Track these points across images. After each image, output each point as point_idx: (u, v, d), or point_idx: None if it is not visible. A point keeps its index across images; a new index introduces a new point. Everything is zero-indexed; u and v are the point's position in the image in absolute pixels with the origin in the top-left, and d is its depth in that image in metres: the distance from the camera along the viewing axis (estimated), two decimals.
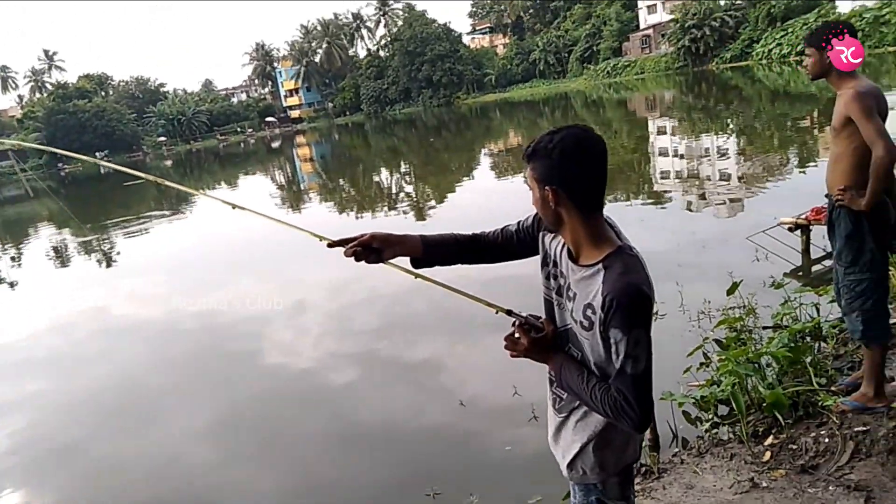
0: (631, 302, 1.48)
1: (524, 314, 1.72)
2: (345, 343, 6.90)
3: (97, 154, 66.63)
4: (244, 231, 15.24)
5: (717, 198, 10.46)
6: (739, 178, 11.70)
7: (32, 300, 11.71)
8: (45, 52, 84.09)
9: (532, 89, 63.25)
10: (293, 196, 22.00)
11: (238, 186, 29.40)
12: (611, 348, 1.52)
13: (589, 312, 1.54)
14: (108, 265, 14.16)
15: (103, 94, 77.59)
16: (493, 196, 14.11)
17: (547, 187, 1.56)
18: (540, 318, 1.73)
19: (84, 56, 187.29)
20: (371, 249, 1.80)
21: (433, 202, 15.80)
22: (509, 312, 1.74)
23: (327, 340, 7.04)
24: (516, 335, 1.69)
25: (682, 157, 15.12)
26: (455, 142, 32.70)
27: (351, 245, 1.78)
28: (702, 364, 4.07)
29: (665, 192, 11.84)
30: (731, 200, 10.08)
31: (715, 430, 3.54)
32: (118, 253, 15.40)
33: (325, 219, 15.54)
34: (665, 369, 4.63)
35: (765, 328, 4.47)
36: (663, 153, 16.59)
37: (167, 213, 22.36)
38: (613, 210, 10.59)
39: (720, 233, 8.25)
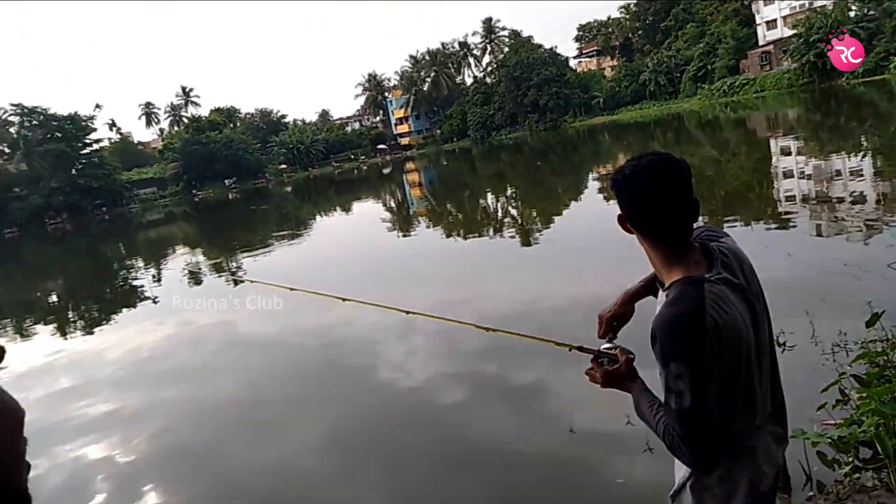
0: (666, 334, 1.46)
1: (598, 348, 1.74)
2: (453, 363, 6.99)
3: (226, 181, 72.14)
4: (360, 251, 15.90)
5: (850, 222, 9.69)
6: (877, 201, 10.77)
7: (169, 315, 12.78)
8: (183, 88, 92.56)
9: (642, 111, 61.65)
10: (403, 220, 22.66)
11: (352, 211, 30.71)
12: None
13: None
14: (236, 284, 15.21)
15: (231, 125, 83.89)
16: (600, 219, 13.83)
17: (620, 214, 1.60)
18: (618, 348, 1.72)
19: (215, 90, 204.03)
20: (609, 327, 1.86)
21: (539, 225, 15.73)
22: (580, 349, 1.79)
23: (436, 360, 7.16)
24: (592, 368, 1.73)
25: (808, 178, 14.15)
26: (562, 165, 32.44)
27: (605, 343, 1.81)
28: (838, 401, 3.74)
29: (791, 215, 11.11)
30: (868, 225, 9.29)
31: (857, 475, 3.24)
32: (244, 272, 16.51)
33: (434, 241, 15.88)
34: (796, 405, 4.32)
35: None
36: (787, 174, 15.60)
37: (286, 234, 23.72)
38: (736, 234, 10.08)
39: (856, 259, 7.59)
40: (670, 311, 1.48)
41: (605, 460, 4.41)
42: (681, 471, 1.65)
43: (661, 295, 1.59)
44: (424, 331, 8.29)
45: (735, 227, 10.79)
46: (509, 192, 26.22)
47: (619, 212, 1.63)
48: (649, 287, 1.85)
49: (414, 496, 4.55)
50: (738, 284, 1.58)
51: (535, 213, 18.10)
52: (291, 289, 2.77)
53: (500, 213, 19.71)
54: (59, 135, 67.60)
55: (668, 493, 1.74)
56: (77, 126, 69.03)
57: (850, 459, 3.39)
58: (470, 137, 76.88)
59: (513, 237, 14.47)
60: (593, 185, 22.48)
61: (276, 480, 5.13)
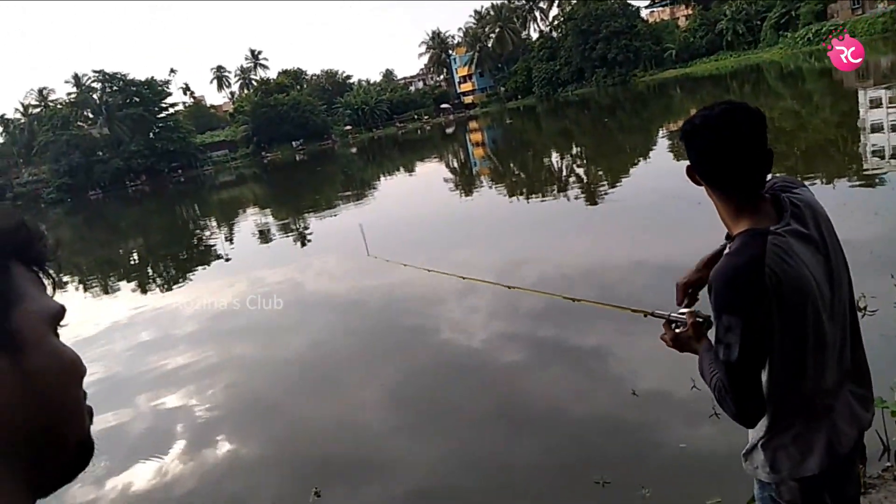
0: (720, 285, 1.45)
1: (669, 313, 1.77)
2: (514, 324, 6.98)
3: (293, 143, 73.64)
4: (422, 213, 16.00)
5: None
6: None
7: (240, 273, 13.30)
8: (252, 51, 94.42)
9: (718, 62, 58.48)
10: (465, 181, 22.57)
11: (415, 172, 30.83)
12: None
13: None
14: (303, 244, 15.63)
15: (298, 87, 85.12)
16: (669, 178, 13.34)
17: (689, 165, 1.58)
18: (688, 312, 1.72)
19: (283, 52, 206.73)
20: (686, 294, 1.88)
21: (605, 185, 15.34)
22: (652, 314, 1.83)
23: (497, 321, 7.17)
24: (664, 334, 1.76)
25: None
26: (630, 122, 31.35)
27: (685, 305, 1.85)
28: None
29: (878, 172, 10.38)
30: None
31: None
32: (311, 233, 16.94)
33: (495, 202, 15.78)
34: (875, 373, 4.09)
35: None
36: (876, 128, 14.52)
37: (351, 196, 24.10)
38: (816, 192, 9.53)
39: None
40: (728, 261, 1.47)
41: (668, 424, 4.33)
42: (755, 430, 1.63)
43: (727, 247, 1.59)
44: (486, 290, 8.31)
45: (815, 184, 10.19)
46: (575, 150, 25.62)
47: (688, 165, 1.61)
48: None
49: (473, 453, 4.61)
50: (808, 235, 1.53)
51: (601, 173, 17.65)
52: (405, 265, 2.98)
53: (564, 173, 19.32)
54: (138, 100, 70.46)
55: (740, 452, 1.72)
56: (154, 91, 71.71)
57: None
58: (535, 94, 75.19)
59: (577, 198, 14.18)
60: (662, 142, 21.65)
61: (340, 433, 5.32)
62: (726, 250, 1.56)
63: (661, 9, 79.78)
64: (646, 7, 79.31)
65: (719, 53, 60.61)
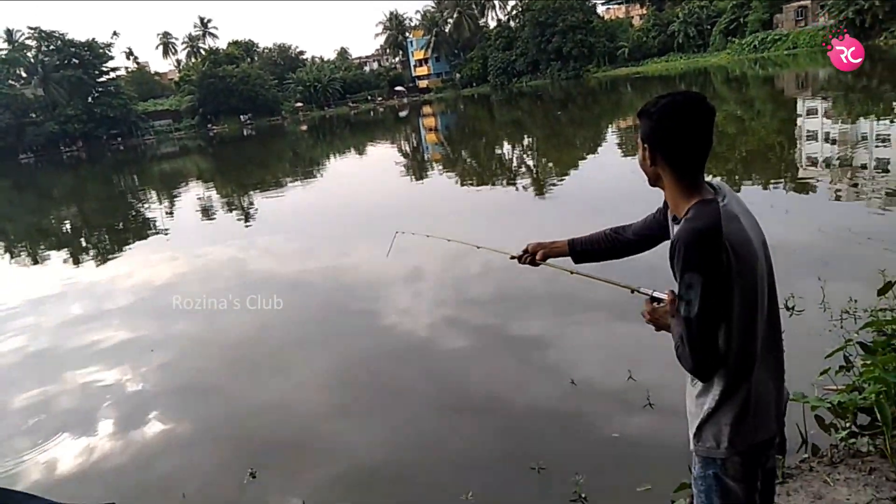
0: (686, 244, 1.56)
1: (653, 290, 1.91)
2: (459, 311, 7.03)
3: (241, 117, 71.65)
4: (371, 195, 15.86)
5: (872, 189, 9.48)
6: None
7: (180, 249, 12.90)
8: (201, 19, 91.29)
9: (668, 63, 59.88)
10: (417, 165, 22.48)
11: (366, 153, 30.49)
12: None
13: (670, 261, 1.65)
14: (247, 222, 15.27)
15: (249, 60, 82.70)
16: (617, 172, 13.64)
17: (646, 145, 1.71)
18: (670, 290, 1.81)
19: (234, 23, 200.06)
20: (530, 254, 2.37)
21: (554, 177, 15.55)
22: (637, 290, 1.97)
23: (442, 308, 7.20)
24: (645, 308, 1.86)
25: (833, 142, 13.78)
26: (581, 116, 31.82)
27: (518, 255, 2.41)
28: (842, 367, 3.73)
29: (811, 179, 10.88)
30: (889, 194, 9.09)
31: (852, 441, 3.25)
32: (256, 210, 16.56)
33: (446, 188, 15.79)
34: (799, 369, 4.28)
35: None
36: (812, 137, 15.20)
37: (300, 174, 23.67)
38: (751, 193, 9.93)
39: (874, 227, 7.45)
40: (690, 224, 1.58)
41: (604, 413, 4.43)
42: (705, 400, 1.69)
43: (676, 225, 1.70)
44: (432, 277, 8.32)
45: (753, 187, 10.61)
46: (526, 141, 25.84)
47: (646, 144, 1.72)
48: (563, 252, 2.28)
49: (413, 436, 4.63)
50: (747, 211, 1.70)
51: (550, 164, 17.87)
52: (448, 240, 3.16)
53: (515, 163, 19.47)
54: (77, 62, 67.06)
55: (691, 430, 1.80)
56: (94, 53, 68.35)
57: (848, 425, 3.41)
58: (490, 83, 75.37)
59: (526, 188, 14.32)
60: (612, 137, 22.09)
61: (279, 414, 5.24)
62: (686, 216, 1.64)
63: (616, 6, 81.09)
64: (602, 4, 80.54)
65: (670, 55, 62.05)
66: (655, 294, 1.88)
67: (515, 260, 2.43)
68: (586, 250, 2.26)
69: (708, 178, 1.79)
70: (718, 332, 1.60)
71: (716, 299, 1.55)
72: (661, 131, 1.67)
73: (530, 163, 19.41)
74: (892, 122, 15.61)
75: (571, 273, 2.29)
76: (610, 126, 25.65)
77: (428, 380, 5.53)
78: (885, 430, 3.00)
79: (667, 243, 2.00)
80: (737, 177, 11.79)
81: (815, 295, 5.27)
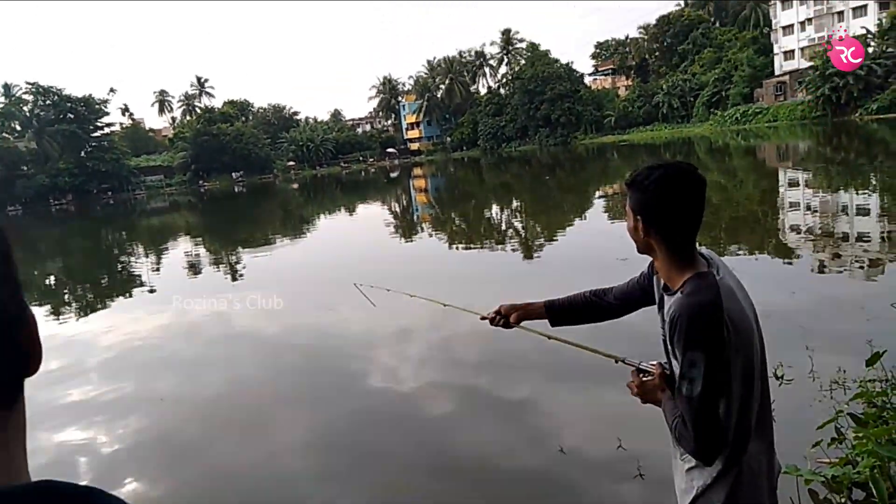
0: (688, 321, 1.51)
1: (640, 361, 1.83)
2: (446, 374, 6.93)
3: (233, 174, 72.32)
4: (360, 254, 15.86)
5: (854, 259, 9.63)
6: (882, 240, 10.72)
7: (163, 305, 12.74)
8: (198, 78, 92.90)
9: (653, 132, 61.73)
10: (407, 225, 22.64)
11: (356, 213, 30.72)
12: None
13: (667, 336, 1.62)
14: (234, 279, 15.17)
15: (243, 118, 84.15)
16: (604, 238, 13.79)
17: (638, 217, 1.67)
18: (656, 363, 1.79)
19: (230, 82, 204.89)
20: (502, 316, 2.24)
21: (542, 240, 15.69)
22: (623, 361, 1.88)
23: (428, 369, 7.09)
24: (631, 381, 1.81)
25: (815, 212, 14.09)
26: (569, 181, 32.43)
27: (489, 315, 2.29)
28: (833, 440, 3.67)
29: (794, 248, 11.05)
30: (871, 264, 9.23)
31: None
32: (244, 267, 16.48)
33: (435, 249, 15.84)
34: (790, 440, 4.22)
35: None
36: (794, 206, 15.54)
37: (289, 234, 23.72)
38: (735, 261, 10.05)
39: (858, 297, 7.54)
40: (691, 300, 1.53)
41: (592, 483, 4.32)
42: (698, 480, 1.65)
43: (669, 297, 1.65)
44: (420, 339, 8.24)
45: (738, 255, 10.73)
46: (515, 204, 26.19)
47: (637, 216, 1.69)
48: (539, 314, 2.19)
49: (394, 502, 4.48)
50: (739, 282, 1.69)
51: (538, 228, 18.05)
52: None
53: (503, 226, 19.67)
54: (72, 116, 67.92)
55: None
56: (90, 109, 69.35)
57: (843, 500, 3.31)
58: (479, 147, 77.03)
59: (515, 250, 14.41)
60: (599, 203, 22.45)
61: (259, 479, 5.06)
62: (677, 297, 1.59)
63: (603, 77, 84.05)
64: (589, 75, 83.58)
65: (655, 124, 64.05)
66: (643, 366, 1.82)
67: (487, 321, 2.31)
68: (564, 313, 2.17)
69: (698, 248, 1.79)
70: (719, 410, 1.55)
71: (718, 377, 1.51)
72: (655, 204, 1.64)
73: (518, 225, 19.61)
74: (870, 193, 16.03)
75: (549, 338, 2.15)
76: (597, 191, 26.11)
77: (410, 445, 5.38)
78: None
79: (648, 310, 1.98)
80: (722, 244, 11.95)
81: (804, 365, 5.25)
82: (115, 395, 7.32)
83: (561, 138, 69.24)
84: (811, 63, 46.70)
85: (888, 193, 15.64)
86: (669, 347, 1.61)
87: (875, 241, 10.73)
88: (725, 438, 1.57)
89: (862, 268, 9.08)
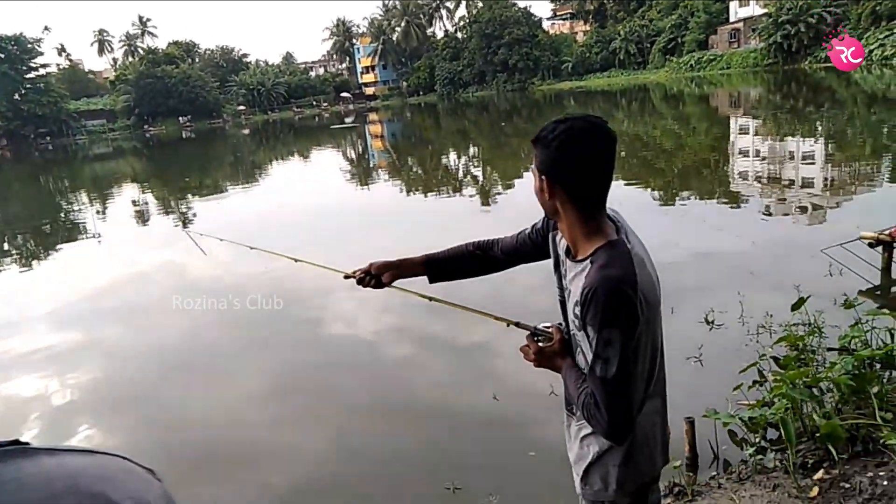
0: (604, 297, 1.39)
1: (535, 325, 1.70)
2: (401, 318, 6.94)
3: (180, 119, 69.55)
4: (310, 201, 15.59)
5: (796, 205, 9.96)
6: (824, 186, 11.09)
7: (113, 253, 12.36)
8: (140, 17, 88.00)
9: (610, 79, 61.69)
10: (363, 172, 22.31)
11: (310, 159, 30.06)
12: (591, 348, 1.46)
13: (577, 310, 1.48)
14: (185, 225, 14.77)
15: (190, 61, 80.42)
16: None
17: (543, 177, 1.53)
18: (553, 326, 1.68)
19: (174, 23, 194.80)
20: (372, 276, 2.00)
21: (499, 186, 15.70)
22: (517, 324, 1.74)
23: (386, 315, 7.11)
24: (527, 345, 1.69)
25: (763, 158, 14.44)
26: (526, 127, 32.32)
27: (357, 273, 2.03)
28: (755, 382, 3.80)
29: (741, 194, 11.35)
30: (813, 209, 9.57)
31: (760, 456, 3.31)
32: (194, 214, 16.05)
33: (392, 197, 15.69)
34: (713, 383, 4.36)
35: (829, 350, 4.15)
36: (743, 153, 15.89)
37: (241, 179, 23.11)
38: (685, 208, 10.28)
39: (795, 242, 7.84)
40: (606, 273, 1.41)
41: (522, 430, 4.34)
42: (595, 444, 1.61)
43: (575, 265, 1.53)
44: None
45: (689, 201, 10.97)
46: (472, 150, 26.04)
47: (542, 175, 1.53)
48: (417, 270, 1.97)
49: (342, 446, 4.56)
50: (644, 247, 1.57)
51: (496, 174, 18.03)
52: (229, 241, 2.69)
53: (461, 172, 19.57)
54: (2, 56, 63.67)
55: (577, 474, 1.70)
56: (22, 48, 65.02)
57: (757, 440, 3.48)
58: (436, 93, 75.77)
59: (473, 196, 14.40)
60: None
61: (215, 427, 5.07)
62: (585, 266, 1.48)
63: (561, 22, 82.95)
64: (547, 19, 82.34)
65: (612, 71, 63.90)
66: (539, 328, 1.68)
67: (353, 280, 2.04)
68: (444, 268, 1.98)
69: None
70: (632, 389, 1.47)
71: (632, 354, 1.42)
72: (559, 161, 1.48)
73: (475, 172, 19.54)
74: (815, 140, 16.49)
75: (430, 300, 1.93)
76: None
77: (362, 386, 5.42)
78: (789, 447, 3.04)
79: (542, 264, 1.83)
80: (673, 190, 12.18)
81: (735, 308, 5.43)
82: (64, 346, 7.16)
83: (518, 84, 68.58)
84: (765, 10, 47.03)
85: (832, 140, 16.11)
86: (578, 322, 1.48)
87: (818, 186, 11.09)
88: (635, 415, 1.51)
89: (804, 212, 9.40)
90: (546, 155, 1.50)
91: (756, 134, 19.01)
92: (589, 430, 1.59)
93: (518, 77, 68.93)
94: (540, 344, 1.66)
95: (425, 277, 2.01)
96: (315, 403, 5.27)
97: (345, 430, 4.77)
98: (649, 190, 12.35)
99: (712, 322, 5.35)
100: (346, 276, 2.08)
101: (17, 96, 64.61)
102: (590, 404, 1.48)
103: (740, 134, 19.78)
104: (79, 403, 5.67)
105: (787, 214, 9.55)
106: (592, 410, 1.48)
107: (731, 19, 54.36)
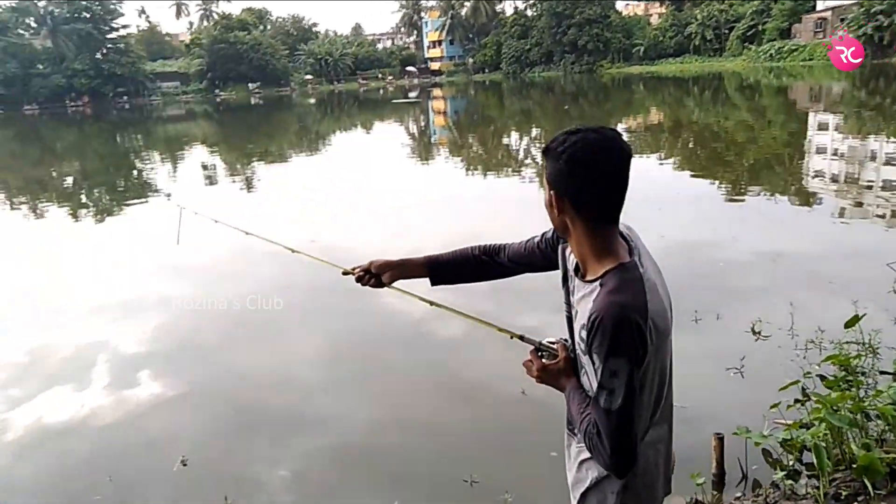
0: (611, 326, 1.32)
1: (539, 340, 1.64)
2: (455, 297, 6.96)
3: (249, 85, 71.17)
4: (369, 173, 15.76)
5: (873, 210, 9.44)
6: None
7: (182, 213, 12.82)
8: None
9: (683, 65, 59.59)
10: (423, 148, 22.37)
11: (372, 131, 30.33)
12: (595, 375, 1.39)
13: (583, 333, 1.40)
14: (249, 189, 15.20)
15: (262, 28, 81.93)
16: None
17: (552, 191, 1.45)
18: (561, 341, 1.62)
19: None
20: (372, 275, 1.96)
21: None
22: (521, 338, 1.68)
23: (435, 294, 7.14)
24: (530, 360, 1.63)
25: (841, 157, 13.73)
26: (591, 111, 31.66)
27: (356, 271, 1.98)
28: (797, 401, 3.59)
29: (814, 193, 10.84)
30: (892, 215, 9.05)
31: (791, 482, 3.15)
32: (259, 179, 16.48)
33: (451, 175, 15.70)
34: (752, 398, 4.21)
35: (882, 374, 3.90)
36: (821, 151, 15.13)
37: (305, 148, 23.55)
38: (752, 204, 9.90)
39: (864, 250, 7.32)
40: (616, 299, 1.34)
41: (546, 429, 4.20)
42: (596, 469, 1.56)
43: (583, 284, 1.47)
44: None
45: (755, 198, 10.56)
46: (534, 132, 25.73)
47: (553, 191, 1.46)
48: (417, 271, 1.94)
49: (388, 416, 4.67)
50: (657, 268, 1.51)
51: None
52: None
53: (521, 154, 19.38)
54: (87, 15, 66.49)
55: (573, 496, 1.66)
56: (105, 9, 67.81)
57: (791, 463, 3.31)
58: (502, 71, 74.91)
59: (533, 180, 14.26)
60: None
61: (272, 383, 5.27)
62: (594, 288, 1.42)
63: (635, 3, 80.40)
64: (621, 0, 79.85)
65: (685, 56, 61.70)
66: (544, 343, 1.62)
67: (351, 276, 2.01)
68: (447, 271, 1.94)
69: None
70: (636, 421, 1.40)
71: (639, 385, 1.36)
72: (569, 175, 1.40)
73: (536, 155, 19.32)
74: None
75: (430, 304, 1.88)
76: (619, 124, 25.52)
77: (409, 360, 5.49)
78: (821, 475, 2.91)
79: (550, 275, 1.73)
80: (741, 185, 11.75)
81: (785, 319, 5.18)
82: (132, 298, 7.51)
83: (586, 66, 67.03)
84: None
85: None
86: (584, 346, 1.42)
87: None
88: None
89: (882, 218, 8.91)
90: (555, 168, 1.43)
91: (836, 131, 18.06)
92: (589, 455, 1.54)
93: (587, 59, 67.36)
94: (544, 361, 1.61)
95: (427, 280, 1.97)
96: (355, 375, 5.39)
97: (377, 403, 4.87)
98: (716, 183, 11.93)
99: (759, 333, 5.12)
100: (345, 273, 2.04)
101: (99, 56, 67.45)
102: (592, 434, 1.42)
103: (819, 130, 18.82)
104: (142, 353, 5.96)
105: (863, 218, 9.07)
106: (595, 440, 1.42)
107: (818, 8, 51.46)
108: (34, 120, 52.47)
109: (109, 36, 68.88)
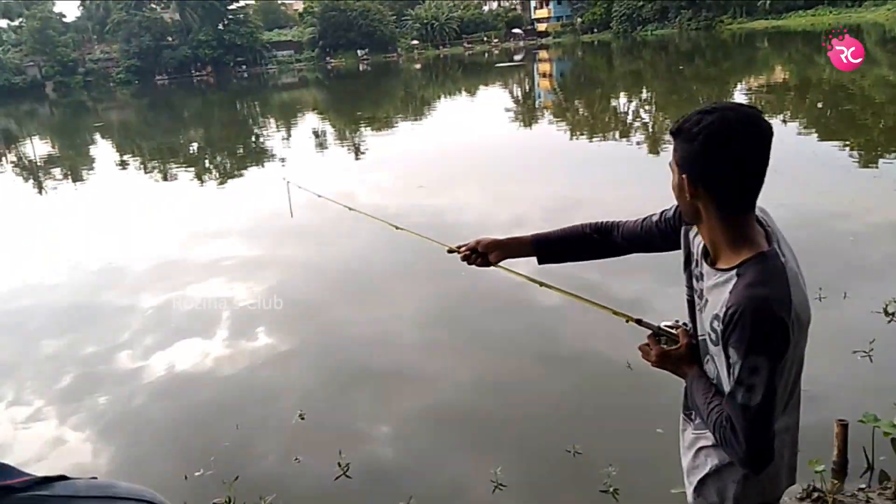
0: (753, 321, 1.25)
1: (659, 323, 1.59)
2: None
3: (358, 52, 72.66)
4: (472, 140, 15.81)
5: None
6: None
7: (294, 177, 13.51)
8: None
9: (815, 17, 54.33)
10: (527, 112, 22.07)
11: (476, 96, 30.24)
12: (729, 368, 1.33)
13: (716, 324, 1.34)
14: (357, 156, 15.73)
15: None
16: None
17: (685, 175, 1.36)
18: (681, 325, 1.57)
19: None
20: (479, 254, 1.91)
21: (669, 136, 14.79)
22: (639, 322, 1.61)
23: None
24: (648, 345, 1.57)
25: None
26: (708, 71, 29.80)
27: (462, 250, 1.93)
28: None
29: None
30: None
31: None
32: (366, 148, 17.00)
33: (555, 139, 15.44)
34: (881, 383, 4.01)
35: None
36: None
37: (411, 115, 23.92)
38: (889, 171, 9.04)
39: None
40: (758, 292, 1.27)
41: (651, 404, 3.99)
42: (715, 455, 1.52)
43: (715, 273, 1.39)
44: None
45: (893, 163, 9.65)
46: (644, 95, 24.62)
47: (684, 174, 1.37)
48: (524, 250, 1.87)
49: (484, 381, 4.81)
50: (795, 256, 1.41)
51: (668, 122, 17.00)
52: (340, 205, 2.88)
53: (630, 118, 18.68)
54: None
55: (689, 484, 1.62)
56: None
57: None
58: (612, 30, 71.64)
59: (640, 144, 13.77)
60: (739, 97, 20.58)
61: (378, 342, 5.58)
62: (731, 277, 1.34)
63: None
64: None
65: (818, 8, 56.13)
66: (664, 327, 1.56)
67: (456, 254, 1.95)
68: (556, 249, 1.86)
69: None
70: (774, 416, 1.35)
71: (778, 381, 1.31)
72: (705, 159, 1.31)
73: (645, 118, 18.55)
74: None
75: (540, 285, 1.82)
76: (739, 84, 23.88)
77: (513, 327, 5.58)
78: None
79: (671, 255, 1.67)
80: (877, 150, 10.76)
81: None
82: (250, 258, 8.10)
83: (704, 22, 62.65)
84: None
85: None
86: (716, 337, 1.36)
87: None
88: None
89: None
90: (688, 151, 1.33)
91: None
92: (708, 441, 1.50)
93: (704, 14, 62.92)
94: (664, 346, 1.55)
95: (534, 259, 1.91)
96: (457, 340, 5.56)
97: (484, 368, 5.00)
98: (848, 148, 11.00)
99: (893, 314, 4.76)
100: (450, 251, 1.98)
101: (220, 26, 71.10)
102: (725, 428, 1.36)
103: None
104: (257, 309, 6.45)
105: None
106: (728, 435, 1.36)
107: None
108: (164, 90, 56.55)
109: (230, 7, 72.34)
